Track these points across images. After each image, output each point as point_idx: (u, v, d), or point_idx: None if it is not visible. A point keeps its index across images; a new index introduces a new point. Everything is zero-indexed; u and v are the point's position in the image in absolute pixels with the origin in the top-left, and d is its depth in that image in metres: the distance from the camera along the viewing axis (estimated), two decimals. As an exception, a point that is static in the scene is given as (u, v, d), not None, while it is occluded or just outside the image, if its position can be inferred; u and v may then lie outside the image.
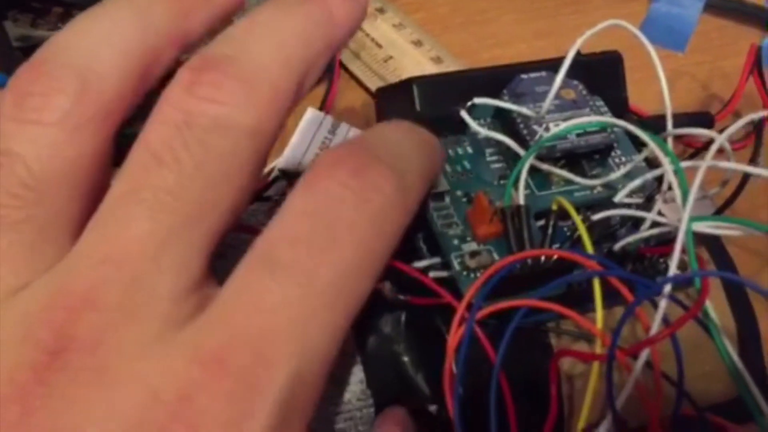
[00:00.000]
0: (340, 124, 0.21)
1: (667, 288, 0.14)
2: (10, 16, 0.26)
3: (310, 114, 0.22)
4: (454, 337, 0.14)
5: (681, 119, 0.21)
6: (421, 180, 0.14)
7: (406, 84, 0.21)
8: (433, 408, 0.19)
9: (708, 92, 0.28)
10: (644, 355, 0.14)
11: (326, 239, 0.12)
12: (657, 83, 0.20)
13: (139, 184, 0.13)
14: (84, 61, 0.14)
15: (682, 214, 0.15)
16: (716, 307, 0.17)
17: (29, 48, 0.25)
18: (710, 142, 0.18)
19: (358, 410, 0.19)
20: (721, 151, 0.18)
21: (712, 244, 0.19)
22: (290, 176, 0.20)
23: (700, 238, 0.20)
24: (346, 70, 0.27)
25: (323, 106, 0.25)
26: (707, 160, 0.16)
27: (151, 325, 0.12)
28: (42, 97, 0.13)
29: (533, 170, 0.19)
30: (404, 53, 0.27)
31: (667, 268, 0.16)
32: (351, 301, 0.13)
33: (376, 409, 0.19)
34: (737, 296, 0.19)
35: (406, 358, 0.19)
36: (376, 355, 0.19)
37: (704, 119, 0.22)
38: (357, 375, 0.19)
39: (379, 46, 0.27)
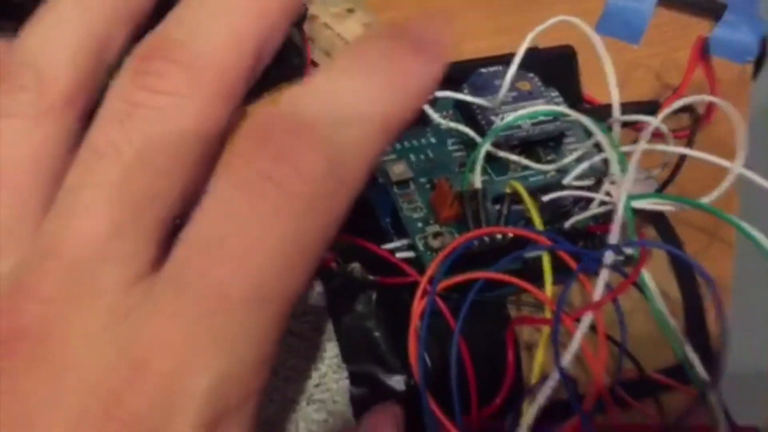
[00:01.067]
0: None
1: (609, 257, 0.16)
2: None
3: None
4: (417, 307, 0.16)
5: (630, 107, 0.23)
6: (367, 146, 0.13)
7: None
8: (401, 378, 0.20)
9: (661, 82, 0.30)
10: (587, 319, 0.16)
11: (241, 247, 0.12)
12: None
13: (83, 179, 0.13)
14: (37, 57, 0.15)
15: (620, 193, 0.17)
16: (663, 281, 0.19)
17: None
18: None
19: (335, 382, 0.21)
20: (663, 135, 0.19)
21: (659, 221, 0.21)
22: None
23: (648, 217, 0.21)
24: (317, 66, 0.28)
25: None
26: (642, 143, 0.17)
27: (97, 317, 0.12)
28: (7, 94, 0.14)
29: (492, 158, 0.20)
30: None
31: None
32: (274, 305, 0.12)
33: (351, 380, 0.21)
34: (682, 270, 0.21)
35: (377, 334, 0.21)
36: (349, 331, 0.21)
37: (651, 107, 0.24)
38: (332, 351, 0.21)
39: (348, 43, 0.28)
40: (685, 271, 0.21)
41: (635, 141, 0.25)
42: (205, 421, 0.12)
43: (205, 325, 0.12)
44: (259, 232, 0.12)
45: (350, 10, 0.30)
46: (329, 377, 0.21)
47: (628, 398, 0.18)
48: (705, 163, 0.20)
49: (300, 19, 0.27)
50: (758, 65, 0.34)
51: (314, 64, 0.28)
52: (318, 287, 0.21)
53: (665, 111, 0.18)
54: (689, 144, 0.20)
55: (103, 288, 0.12)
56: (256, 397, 0.13)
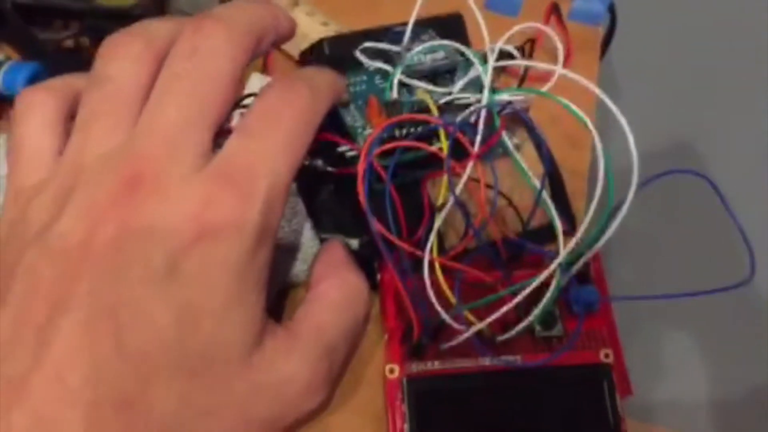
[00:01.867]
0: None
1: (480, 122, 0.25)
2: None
3: (255, 77, 0.32)
4: (361, 167, 0.25)
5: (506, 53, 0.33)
6: (328, 91, 0.25)
7: (319, 42, 0.31)
8: (356, 240, 0.29)
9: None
10: (468, 169, 0.25)
11: (279, 122, 0.23)
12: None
13: (167, 87, 0.22)
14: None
15: (484, 91, 0.26)
16: (531, 161, 0.28)
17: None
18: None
19: (311, 248, 0.30)
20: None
21: (522, 119, 0.31)
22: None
23: (515, 120, 0.31)
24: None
25: (264, 71, 0.35)
26: (492, 61, 0.27)
27: (187, 165, 0.21)
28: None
29: (405, 85, 0.30)
30: (315, 31, 0.38)
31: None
32: (299, 154, 0.23)
33: (322, 244, 0.30)
34: (545, 152, 0.31)
35: (337, 209, 0.30)
36: (319, 211, 0.30)
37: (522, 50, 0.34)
38: (308, 227, 0.30)
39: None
40: (547, 154, 0.31)
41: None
42: (263, 223, 0.21)
43: (263, 160, 0.22)
44: (286, 118, 0.22)
45: (296, 3, 0.39)
46: (307, 245, 0.30)
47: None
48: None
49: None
50: (612, 24, 0.44)
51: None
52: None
53: (509, 32, 0.28)
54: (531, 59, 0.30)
55: (189, 148, 0.21)
56: (284, 204, 0.22)
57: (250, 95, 0.25)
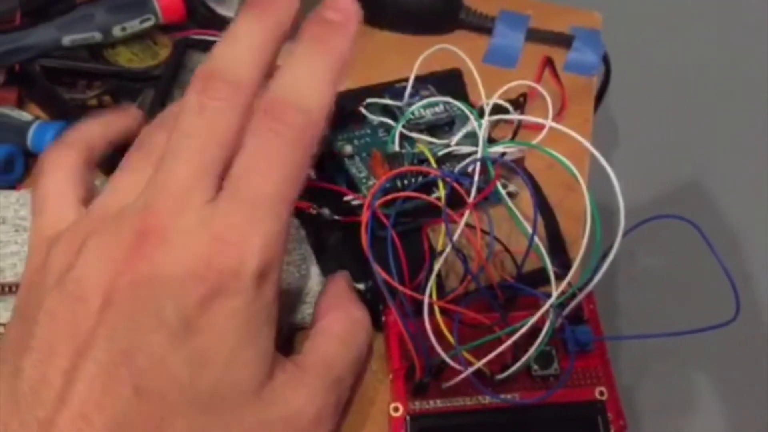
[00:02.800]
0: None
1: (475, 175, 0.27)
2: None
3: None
4: (365, 216, 0.27)
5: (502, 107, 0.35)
6: (319, 111, 0.24)
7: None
8: (362, 285, 0.31)
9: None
10: (465, 217, 0.27)
11: (267, 166, 0.23)
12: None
13: (176, 144, 0.24)
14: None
15: (479, 144, 0.28)
16: (527, 208, 0.30)
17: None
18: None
19: (319, 293, 0.31)
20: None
21: (520, 170, 0.32)
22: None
23: (511, 170, 0.33)
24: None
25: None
26: (488, 115, 0.29)
27: (192, 218, 0.22)
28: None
29: (405, 138, 0.32)
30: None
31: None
32: (290, 199, 0.23)
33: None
34: (539, 200, 0.32)
35: (344, 257, 0.31)
36: (326, 257, 0.32)
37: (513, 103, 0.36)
38: (315, 271, 0.31)
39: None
40: (542, 202, 0.32)
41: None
42: (261, 267, 0.22)
43: (253, 212, 0.23)
44: (275, 157, 0.23)
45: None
46: (314, 290, 0.31)
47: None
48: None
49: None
50: (607, 73, 0.46)
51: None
52: (297, 223, 0.31)
53: (503, 88, 0.30)
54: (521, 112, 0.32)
55: (194, 203, 0.23)
56: (281, 260, 0.23)
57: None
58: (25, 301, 0.23)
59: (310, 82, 0.24)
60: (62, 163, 0.26)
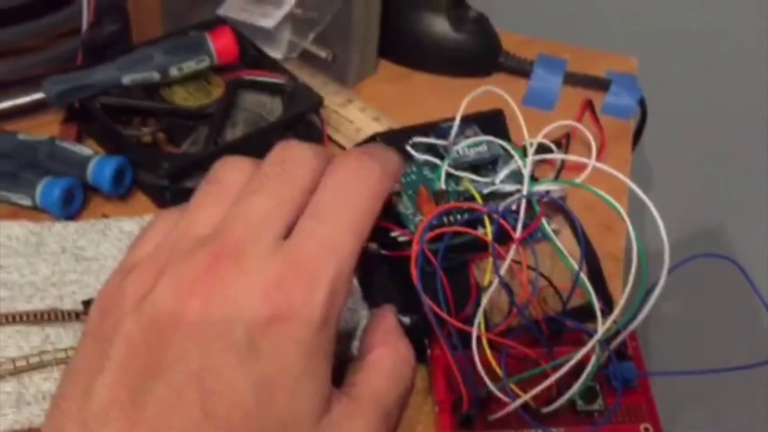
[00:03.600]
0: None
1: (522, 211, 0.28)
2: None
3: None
4: (414, 250, 0.28)
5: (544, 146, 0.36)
6: (395, 168, 0.28)
7: (372, 137, 0.35)
8: (408, 318, 0.32)
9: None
10: (511, 252, 0.28)
11: (342, 209, 0.25)
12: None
13: (257, 183, 0.26)
14: None
15: (524, 181, 0.29)
16: (569, 245, 0.31)
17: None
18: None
19: (365, 326, 0.32)
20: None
21: (560, 207, 0.33)
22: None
23: (552, 207, 0.34)
24: (331, 139, 0.41)
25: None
26: (531, 155, 0.30)
27: (264, 246, 0.24)
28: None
29: (451, 176, 0.33)
30: (368, 126, 0.41)
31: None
32: (363, 235, 0.25)
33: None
34: (581, 236, 0.33)
35: (391, 291, 0.32)
36: (373, 291, 0.32)
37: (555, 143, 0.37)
38: (364, 307, 0.32)
39: (351, 122, 0.41)
40: (584, 238, 0.33)
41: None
42: (329, 298, 0.24)
43: (329, 243, 0.24)
44: (356, 196, 0.25)
45: (350, 101, 0.43)
46: (363, 323, 0.32)
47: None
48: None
49: (317, 108, 0.40)
50: (643, 116, 0.47)
51: (329, 138, 0.41)
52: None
53: (547, 129, 0.31)
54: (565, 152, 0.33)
55: (270, 231, 0.24)
56: (347, 295, 0.24)
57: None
58: (98, 324, 0.24)
59: None
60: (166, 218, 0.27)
